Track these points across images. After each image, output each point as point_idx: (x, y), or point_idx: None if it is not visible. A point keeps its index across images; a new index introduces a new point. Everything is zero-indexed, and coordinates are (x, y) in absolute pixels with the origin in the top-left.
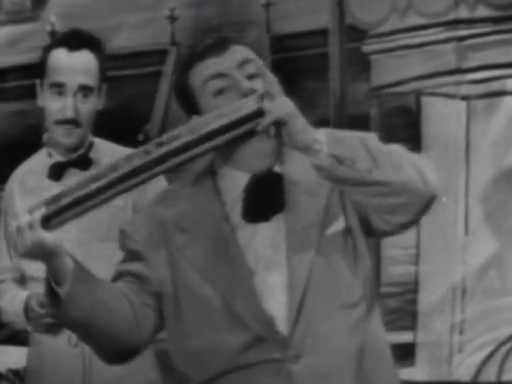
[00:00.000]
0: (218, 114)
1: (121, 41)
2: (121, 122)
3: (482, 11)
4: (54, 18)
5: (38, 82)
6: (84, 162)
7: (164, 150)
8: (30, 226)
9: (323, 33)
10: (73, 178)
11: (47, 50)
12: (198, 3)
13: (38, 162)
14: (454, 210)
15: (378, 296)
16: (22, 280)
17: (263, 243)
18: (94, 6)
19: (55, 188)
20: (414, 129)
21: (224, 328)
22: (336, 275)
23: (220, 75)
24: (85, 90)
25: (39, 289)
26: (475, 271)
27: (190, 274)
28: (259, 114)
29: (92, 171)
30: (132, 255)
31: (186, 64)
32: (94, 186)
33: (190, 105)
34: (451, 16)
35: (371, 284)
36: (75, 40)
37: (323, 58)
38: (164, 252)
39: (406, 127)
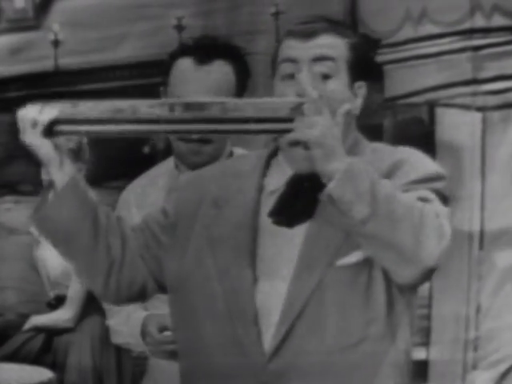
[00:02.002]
0: (253, 103)
1: (127, 50)
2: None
3: (499, 20)
4: (56, 26)
5: (161, 89)
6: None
7: (188, 114)
8: (34, 124)
9: None
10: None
11: (172, 58)
12: (206, 12)
13: (163, 174)
14: (468, 223)
15: (394, 336)
16: None
17: (281, 246)
18: (99, 15)
19: None
20: (428, 140)
21: (219, 322)
22: (333, 313)
23: (292, 61)
24: None
25: (160, 308)
26: (490, 287)
27: (203, 251)
28: (289, 121)
29: (116, 103)
30: (162, 210)
31: (282, 36)
32: (112, 115)
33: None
34: (467, 25)
35: (385, 324)
36: (205, 49)
37: None
38: (191, 224)
39: (419, 138)
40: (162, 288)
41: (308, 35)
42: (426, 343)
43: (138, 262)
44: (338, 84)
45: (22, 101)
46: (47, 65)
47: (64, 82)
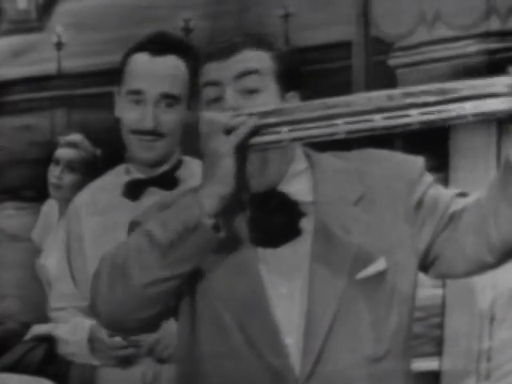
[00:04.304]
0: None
1: None
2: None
3: None
4: (60, 28)
5: (115, 89)
6: (168, 181)
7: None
8: (229, 130)
9: (346, 45)
10: (153, 197)
11: (127, 54)
12: (214, 14)
13: (112, 179)
14: None
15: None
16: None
17: (287, 268)
18: (104, 17)
19: (130, 207)
20: (442, 145)
21: (237, 350)
22: (361, 326)
23: (215, 83)
24: (168, 98)
25: None
26: (505, 297)
27: (209, 290)
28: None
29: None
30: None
31: (198, 63)
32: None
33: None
34: (482, 28)
35: (405, 335)
36: (159, 44)
37: (346, 71)
38: None
39: (433, 145)
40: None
41: (227, 53)
42: (438, 353)
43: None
44: (268, 96)
45: (24, 104)
46: (50, 67)
47: (67, 85)
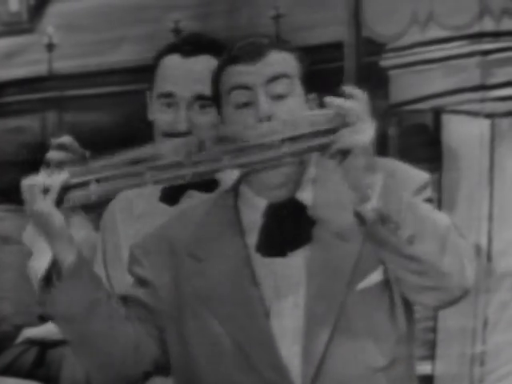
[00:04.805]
0: (290, 121)
1: (123, 54)
2: (122, 138)
3: (509, 23)
4: (51, 29)
5: (147, 93)
6: (207, 183)
7: (217, 149)
8: (46, 190)
9: (338, 46)
10: (193, 200)
11: (158, 57)
12: (204, 15)
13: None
14: (476, 234)
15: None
16: None
17: (282, 281)
18: (95, 18)
19: (169, 212)
20: (435, 148)
21: (234, 369)
22: (362, 337)
23: (245, 87)
24: (202, 100)
25: None
26: (498, 300)
27: (198, 307)
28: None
29: (130, 152)
30: (139, 281)
31: (220, 64)
32: (129, 168)
33: (218, 107)
34: (475, 28)
35: (408, 343)
36: (191, 44)
37: (338, 72)
38: (172, 280)
39: (425, 147)
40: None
41: (255, 56)
42: (431, 356)
43: (147, 339)
44: (296, 101)
45: (15, 106)
46: (41, 69)
47: (58, 87)
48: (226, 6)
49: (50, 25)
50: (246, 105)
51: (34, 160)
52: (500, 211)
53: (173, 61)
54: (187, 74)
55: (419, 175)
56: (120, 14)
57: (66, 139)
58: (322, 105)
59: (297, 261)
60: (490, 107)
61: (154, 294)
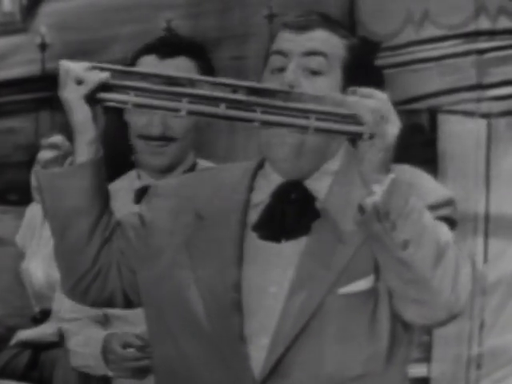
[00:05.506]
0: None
1: (115, 53)
2: (115, 140)
3: (504, 22)
4: (44, 29)
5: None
6: None
7: (246, 98)
8: (79, 81)
9: None
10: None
11: (134, 57)
12: (196, 14)
13: (124, 185)
14: (472, 236)
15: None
16: (106, 320)
17: (268, 268)
18: (87, 17)
19: None
20: (430, 149)
21: (199, 340)
22: (332, 344)
23: (283, 53)
24: None
25: (124, 329)
26: (495, 302)
27: (184, 269)
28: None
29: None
30: (139, 216)
31: (275, 28)
32: (168, 90)
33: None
34: (471, 27)
35: (385, 361)
36: (168, 46)
37: None
38: (170, 233)
39: (421, 147)
40: (128, 303)
41: (302, 28)
42: (426, 359)
43: (113, 269)
44: (328, 82)
45: (8, 107)
46: (34, 69)
47: (51, 87)
48: (219, 5)
49: (42, 25)
50: (279, 70)
51: (28, 161)
52: (497, 212)
53: (149, 62)
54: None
55: (440, 191)
56: (112, 14)
57: (57, 138)
58: None
59: (288, 251)
60: (486, 107)
61: (142, 232)
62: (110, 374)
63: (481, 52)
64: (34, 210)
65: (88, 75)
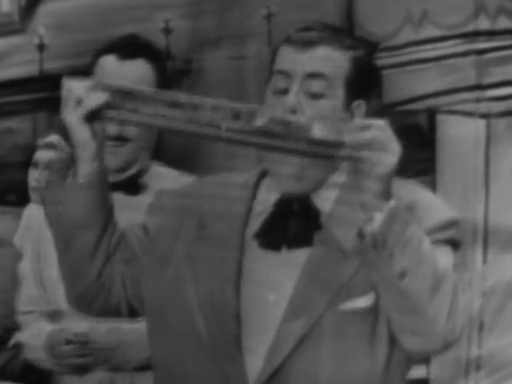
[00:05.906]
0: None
1: None
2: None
3: (504, 22)
4: (42, 29)
5: None
6: (131, 186)
7: (235, 124)
8: (78, 102)
9: None
10: (117, 203)
11: (95, 56)
12: (194, 14)
13: None
14: (472, 237)
15: None
16: (56, 314)
17: (267, 278)
18: (85, 18)
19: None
20: (428, 150)
21: (200, 348)
22: (328, 361)
23: (285, 74)
24: None
25: (71, 325)
26: (494, 304)
27: (182, 281)
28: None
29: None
30: (143, 226)
31: (279, 43)
32: (168, 110)
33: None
34: (470, 27)
35: (381, 381)
36: (128, 47)
37: None
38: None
39: (420, 147)
40: (133, 312)
41: (306, 45)
42: (426, 360)
43: (117, 281)
44: (331, 104)
45: (6, 107)
46: (32, 69)
47: (49, 87)
48: (217, 4)
49: (40, 25)
50: (282, 92)
51: (26, 161)
52: (496, 212)
53: (109, 62)
54: (122, 76)
55: (442, 213)
56: (110, 14)
57: (54, 138)
58: (366, 113)
59: (289, 262)
60: (485, 107)
61: (146, 242)
62: (53, 367)
63: (480, 52)
64: (31, 211)
65: (88, 96)
